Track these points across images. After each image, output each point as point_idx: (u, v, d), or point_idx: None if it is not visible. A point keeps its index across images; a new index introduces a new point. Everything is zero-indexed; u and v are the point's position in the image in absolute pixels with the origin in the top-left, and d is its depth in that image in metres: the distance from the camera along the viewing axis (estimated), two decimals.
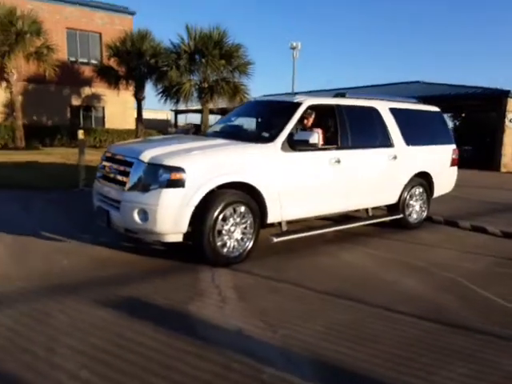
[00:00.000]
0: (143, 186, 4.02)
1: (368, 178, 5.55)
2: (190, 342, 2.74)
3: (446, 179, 6.83)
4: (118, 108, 23.00)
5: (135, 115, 21.01)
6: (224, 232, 4.21)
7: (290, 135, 4.69)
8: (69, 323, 2.95)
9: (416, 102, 6.74)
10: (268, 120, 5.75)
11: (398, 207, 6.08)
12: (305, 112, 5.07)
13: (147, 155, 4.12)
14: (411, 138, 6.05)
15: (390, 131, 5.85)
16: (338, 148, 5.17)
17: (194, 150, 4.37)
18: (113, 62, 19.96)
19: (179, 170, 3.95)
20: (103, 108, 23.69)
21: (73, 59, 22.62)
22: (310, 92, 24.60)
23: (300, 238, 4.96)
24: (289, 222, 4.89)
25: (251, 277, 4.03)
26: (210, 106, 16.40)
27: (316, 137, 4.64)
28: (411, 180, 6.13)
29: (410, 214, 6.27)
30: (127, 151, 4.48)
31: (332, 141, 5.20)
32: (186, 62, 14.99)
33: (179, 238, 4.13)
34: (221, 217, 4.12)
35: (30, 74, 19.89)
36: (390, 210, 6.21)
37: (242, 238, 4.37)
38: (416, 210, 6.35)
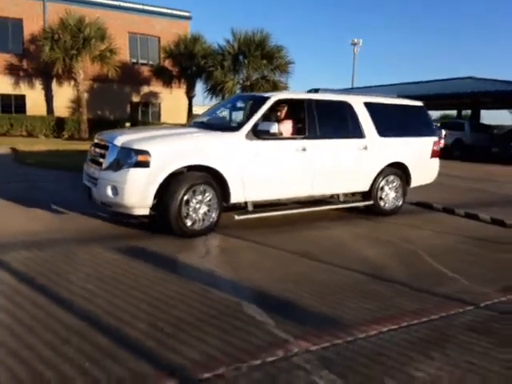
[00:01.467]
0: (115, 166, 4.63)
1: (335, 166, 5.83)
2: (176, 277, 3.66)
3: (425, 170, 7.03)
4: (172, 104, 24.54)
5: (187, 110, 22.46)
6: (190, 208, 4.73)
7: (256, 125, 5.11)
8: (90, 259, 3.98)
9: (396, 97, 7.21)
10: (241, 112, 6.33)
11: (370, 194, 6.34)
12: (274, 105, 5.54)
13: (120, 140, 4.75)
14: (385, 130, 6.32)
15: (362, 123, 6.15)
16: (304, 138, 5.56)
17: (164, 136, 5.08)
18: (168, 63, 21.50)
19: (145, 152, 4.52)
20: (159, 104, 25.43)
21: (134, 60, 24.49)
22: (369, 88, 24.68)
23: (271, 216, 5.50)
24: (260, 205, 5.43)
25: (238, 241, 4.88)
26: None
27: (275, 127, 5.09)
28: (384, 169, 6.37)
29: (383, 201, 6.49)
30: (107, 137, 5.07)
31: (301, 131, 5.65)
32: (230, 63, 16.00)
33: (146, 212, 4.71)
34: (186, 195, 4.65)
35: (94, 74, 21.85)
36: (363, 196, 6.48)
37: (205, 214, 4.87)
38: (390, 197, 6.55)
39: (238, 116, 6.63)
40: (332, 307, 3.22)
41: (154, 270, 3.77)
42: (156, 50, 24.69)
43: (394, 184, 6.60)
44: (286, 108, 5.90)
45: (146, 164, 4.51)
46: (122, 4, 23.98)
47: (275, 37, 16.65)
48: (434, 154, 7.07)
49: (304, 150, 5.47)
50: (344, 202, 6.27)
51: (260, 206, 5.47)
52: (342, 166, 5.93)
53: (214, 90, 16.92)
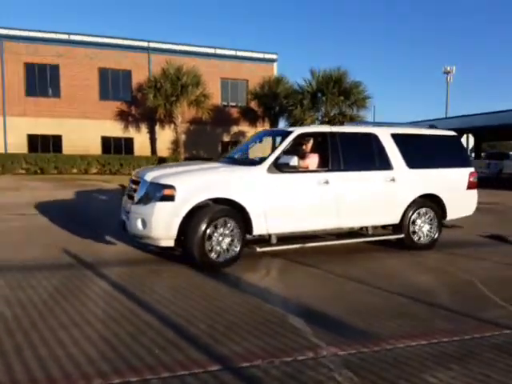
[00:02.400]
0: (145, 200, 4.95)
1: (360, 198, 5.79)
2: (237, 292, 4.29)
3: (462, 202, 6.77)
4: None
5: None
6: (213, 241, 4.89)
7: (277, 159, 5.28)
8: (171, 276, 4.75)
9: (429, 128, 7.02)
10: (266, 146, 6.40)
11: (400, 227, 6.18)
12: (298, 139, 5.74)
13: (151, 176, 5.10)
14: (415, 161, 6.21)
15: (389, 155, 6.06)
16: (327, 170, 5.62)
17: (189, 172, 5.37)
18: (253, 104, 23.02)
19: (170, 187, 4.81)
20: None
21: (225, 103, 26.51)
22: (464, 116, 23.84)
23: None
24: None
25: (295, 264, 5.35)
26: None
27: (295, 160, 5.23)
28: (415, 202, 6.20)
29: (415, 235, 6.28)
30: (141, 173, 5.45)
31: (325, 164, 5.70)
32: (309, 101, 16.81)
33: (171, 243, 4.93)
34: (209, 228, 4.82)
35: (190, 117, 24.07)
36: (394, 229, 6.33)
37: (229, 246, 5.01)
38: (423, 230, 6.33)
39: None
40: (369, 324, 3.55)
41: (220, 285, 4.42)
42: (244, 92, 26.48)
43: (428, 217, 6.38)
44: (311, 142, 6.08)
45: (171, 198, 4.79)
46: (217, 52, 26.38)
47: (360, 73, 17.33)
48: (470, 186, 6.78)
49: (327, 182, 5.51)
50: (373, 235, 6.20)
51: (292, 238, 5.68)
52: (368, 199, 5.87)
53: (294, 126, 17.87)
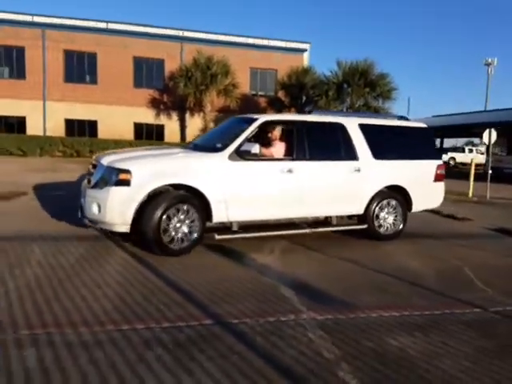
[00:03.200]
0: (101, 184, 4.84)
1: (324, 188, 5.72)
2: (241, 266, 4.77)
3: (428, 194, 6.73)
4: None
5: None
6: (170, 227, 4.80)
7: (240, 146, 5.17)
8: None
9: (399, 119, 6.90)
10: (232, 133, 5.78)
11: (364, 218, 6.15)
12: (264, 127, 5.62)
13: (107, 159, 5.02)
14: (382, 153, 6.15)
15: (356, 145, 5.98)
16: (291, 159, 5.53)
17: (148, 156, 5.24)
18: (281, 94, 23.29)
19: (126, 171, 4.68)
20: None
21: (253, 92, 26.89)
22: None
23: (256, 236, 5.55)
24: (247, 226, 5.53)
25: (297, 246, 5.76)
26: None
27: (256, 147, 5.19)
28: (380, 193, 6.17)
29: (380, 226, 6.25)
30: (99, 157, 5.35)
31: (291, 153, 5.62)
32: (334, 92, 16.96)
33: (127, 230, 4.78)
34: (165, 214, 4.74)
35: (219, 106, 24.59)
36: (358, 220, 6.29)
37: (188, 233, 4.94)
38: (388, 222, 6.31)
39: (225, 137, 5.98)
40: (350, 296, 3.96)
41: (226, 261, 4.92)
42: (273, 82, 26.76)
43: (392, 208, 6.33)
44: (278, 130, 5.97)
45: (127, 182, 4.67)
46: (247, 41, 26.70)
47: (394, 64, 17.28)
48: (437, 178, 6.73)
49: (290, 171, 5.44)
50: (337, 225, 6.21)
51: (261, 227, 5.65)
52: (332, 189, 5.81)
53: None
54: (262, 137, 5.94)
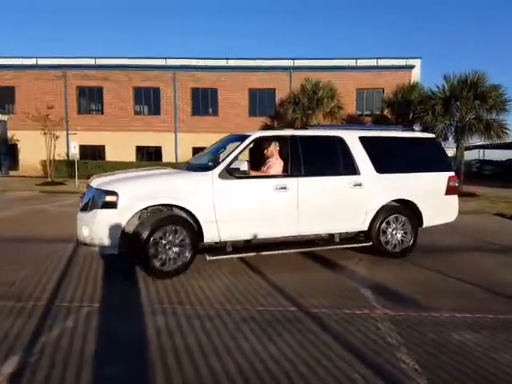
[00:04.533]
0: (90, 207, 4.72)
1: (322, 204, 5.41)
2: (329, 270, 5.32)
3: (440, 208, 6.22)
4: None
5: None
6: (159, 248, 4.61)
7: (230, 164, 4.98)
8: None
9: (404, 130, 6.47)
10: (226, 151, 5.67)
11: (369, 235, 5.77)
12: (257, 144, 5.58)
13: (97, 181, 4.94)
14: (385, 166, 5.79)
15: (356, 159, 5.66)
16: (286, 176, 5.30)
17: (136, 178, 5.03)
18: (387, 112, 22.98)
19: (113, 193, 4.55)
20: None
21: (359, 112, 26.93)
22: None
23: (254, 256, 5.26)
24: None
25: (384, 258, 6.03)
26: (466, 143, 17.03)
27: (245, 165, 4.92)
28: (386, 208, 5.78)
29: (387, 242, 5.81)
30: (91, 180, 5.23)
31: (286, 169, 5.38)
32: (441, 107, 16.30)
33: (115, 251, 4.61)
34: (154, 235, 4.53)
35: None
36: (365, 236, 5.87)
37: (178, 254, 4.72)
38: (396, 238, 5.86)
39: (218, 155, 5.85)
40: (426, 299, 4.21)
41: (316, 266, 5.48)
42: (379, 101, 26.47)
43: (400, 223, 5.88)
44: (273, 146, 5.67)
45: (113, 205, 4.54)
46: (354, 63, 27.03)
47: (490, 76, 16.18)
48: (449, 191, 6.23)
49: (284, 188, 5.19)
50: (339, 243, 5.74)
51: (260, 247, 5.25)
52: (331, 205, 5.48)
53: (425, 132, 17.38)
54: (257, 154, 5.89)
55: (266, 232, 5.23)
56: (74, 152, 19.54)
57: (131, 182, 4.88)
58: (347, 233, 5.85)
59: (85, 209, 4.82)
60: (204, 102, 28.35)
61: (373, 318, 3.68)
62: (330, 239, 5.74)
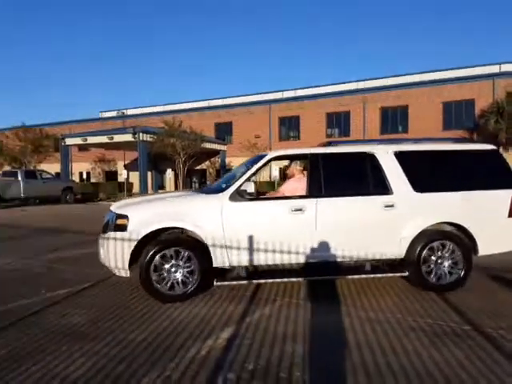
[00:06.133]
0: (106, 229, 4.72)
1: (344, 227, 4.73)
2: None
3: (501, 233, 5.05)
4: None
5: None
6: (163, 272, 4.49)
7: (242, 186, 4.69)
8: None
9: (456, 142, 5.50)
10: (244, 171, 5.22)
11: (405, 263, 4.87)
12: (270, 164, 5.18)
13: (115, 205, 5.00)
14: (427, 184, 4.93)
15: (389, 177, 4.88)
16: (303, 197, 4.78)
17: (148, 201, 4.97)
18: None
19: (123, 216, 4.54)
20: None
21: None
22: None
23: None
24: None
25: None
26: None
27: (251, 186, 4.60)
28: (427, 232, 4.84)
29: (429, 272, 4.85)
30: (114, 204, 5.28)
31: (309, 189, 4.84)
32: None
33: (127, 274, 4.57)
34: (156, 258, 4.44)
35: None
36: (401, 265, 4.96)
37: (185, 279, 4.54)
38: (442, 268, 4.88)
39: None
40: None
41: (502, 287, 5.05)
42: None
43: (448, 251, 4.88)
44: (294, 166, 5.39)
45: (124, 227, 4.51)
46: None
47: None
48: None
49: (301, 210, 4.67)
50: (370, 272, 4.91)
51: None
52: (356, 229, 4.75)
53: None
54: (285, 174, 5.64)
55: (281, 258, 4.73)
56: (275, 174, 22.22)
57: (143, 205, 4.85)
58: (380, 260, 4.98)
59: (104, 231, 4.80)
60: (393, 120, 27.83)
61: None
62: (359, 266, 5.00)
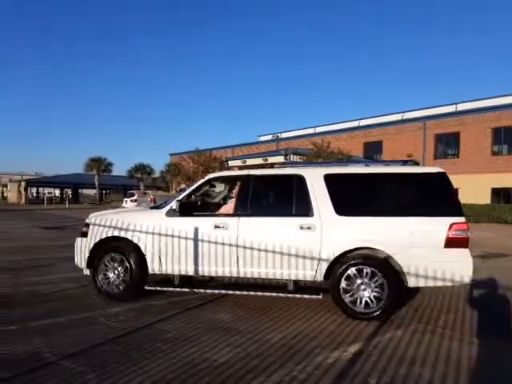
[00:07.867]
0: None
1: (263, 247, 4.79)
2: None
3: (437, 264, 4.44)
4: None
5: None
6: (108, 274, 5.29)
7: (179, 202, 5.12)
8: None
9: (404, 165, 5.11)
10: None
11: (324, 286, 4.73)
12: (211, 183, 5.69)
13: (91, 214, 5.69)
14: (351, 207, 4.72)
15: (312, 199, 4.81)
16: (227, 215, 5.08)
17: (111, 213, 5.60)
18: None
19: (87, 225, 5.49)
20: None
21: None
22: None
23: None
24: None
25: None
26: None
27: (174, 204, 5.10)
28: (349, 256, 4.59)
29: (350, 299, 4.57)
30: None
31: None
32: None
33: (89, 273, 5.44)
34: (102, 262, 5.29)
35: None
36: (318, 288, 4.80)
37: (120, 282, 5.26)
38: (364, 296, 4.54)
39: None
40: None
41: None
42: None
43: (371, 278, 4.54)
44: (237, 186, 5.61)
45: (85, 234, 5.46)
46: None
47: None
48: (452, 242, 4.40)
49: (223, 227, 4.94)
50: (290, 292, 4.84)
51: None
52: (276, 248, 4.77)
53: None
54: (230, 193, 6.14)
55: (206, 270, 5.06)
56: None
57: (102, 217, 5.54)
58: (302, 281, 4.88)
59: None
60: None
61: None
62: (283, 286, 4.96)
